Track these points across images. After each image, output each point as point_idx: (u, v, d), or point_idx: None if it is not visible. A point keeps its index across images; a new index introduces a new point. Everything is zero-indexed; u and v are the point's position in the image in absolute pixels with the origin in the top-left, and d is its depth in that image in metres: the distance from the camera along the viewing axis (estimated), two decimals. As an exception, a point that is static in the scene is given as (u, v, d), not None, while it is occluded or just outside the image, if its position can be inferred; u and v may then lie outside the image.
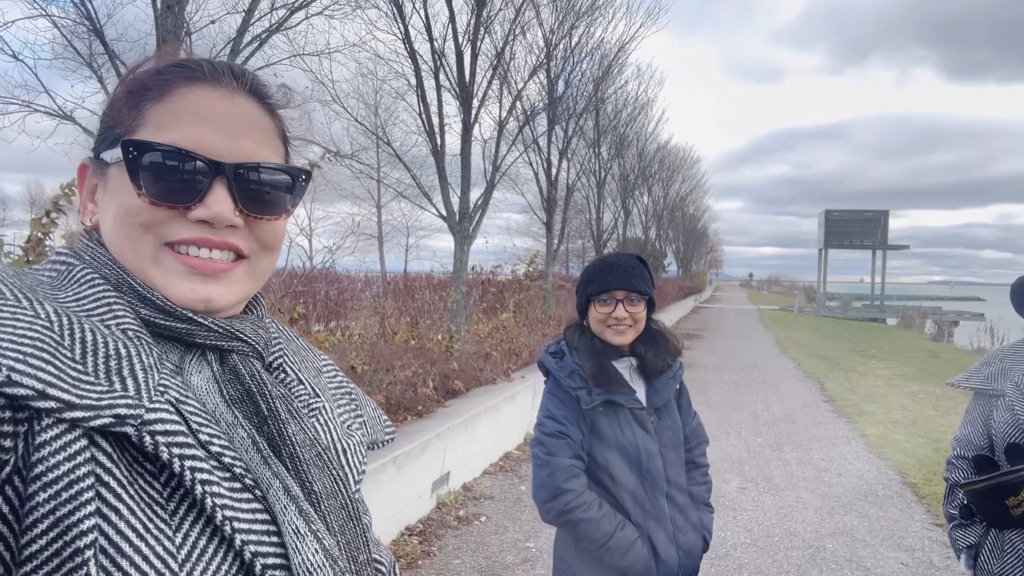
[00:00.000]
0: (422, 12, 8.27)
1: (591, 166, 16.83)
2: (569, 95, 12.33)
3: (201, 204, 0.64)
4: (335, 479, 0.66)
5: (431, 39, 8.47)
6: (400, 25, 8.11)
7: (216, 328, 0.65)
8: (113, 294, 0.63)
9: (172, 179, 0.63)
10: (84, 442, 0.50)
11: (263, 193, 0.67)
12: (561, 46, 11.34)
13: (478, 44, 8.96)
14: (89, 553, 0.47)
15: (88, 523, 0.48)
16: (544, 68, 11.26)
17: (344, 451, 0.71)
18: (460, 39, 8.77)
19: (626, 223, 22.28)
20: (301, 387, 0.74)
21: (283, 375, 0.74)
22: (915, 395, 10.13)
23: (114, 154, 0.65)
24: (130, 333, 0.60)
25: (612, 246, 19.89)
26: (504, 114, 9.68)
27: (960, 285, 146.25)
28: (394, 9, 8.12)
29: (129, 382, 0.55)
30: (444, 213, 8.19)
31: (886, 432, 7.51)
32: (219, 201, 0.64)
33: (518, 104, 10.64)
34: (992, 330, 19.37)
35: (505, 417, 6.15)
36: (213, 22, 4.49)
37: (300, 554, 0.58)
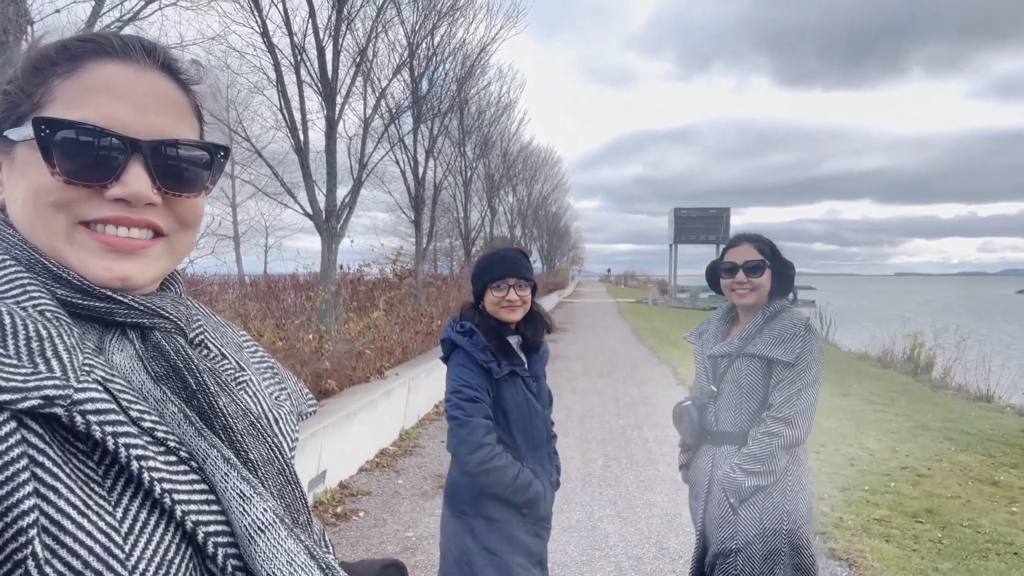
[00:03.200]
0: (280, 6, 8.06)
1: (457, 165, 17.03)
2: (433, 94, 12.43)
3: (118, 182, 0.62)
4: (271, 447, 0.67)
5: (291, 33, 8.26)
6: (257, 18, 7.85)
7: (136, 306, 0.64)
8: (26, 275, 0.61)
9: (87, 157, 0.61)
10: (13, 424, 0.49)
11: (181, 170, 0.66)
12: (424, 45, 11.40)
13: (340, 40, 8.85)
14: (33, 532, 0.47)
15: (28, 503, 0.47)
16: (408, 67, 11.28)
17: (276, 420, 0.72)
18: (321, 35, 8.61)
19: (492, 221, 22.71)
20: (225, 361, 0.74)
21: (206, 351, 0.74)
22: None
23: (22, 132, 0.62)
24: (48, 314, 0.58)
25: (480, 244, 20.21)
26: (369, 112, 9.62)
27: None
28: (250, 2, 7.85)
29: (54, 363, 0.54)
30: (310, 211, 8.03)
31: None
32: (137, 179, 0.63)
33: (383, 102, 10.61)
34: (821, 315, 21.58)
35: (381, 414, 6.17)
36: (59, 11, 4.17)
37: (248, 515, 0.59)
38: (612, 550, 4.16)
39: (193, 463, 0.60)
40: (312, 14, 8.48)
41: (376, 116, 9.91)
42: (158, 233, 0.67)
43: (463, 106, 15.65)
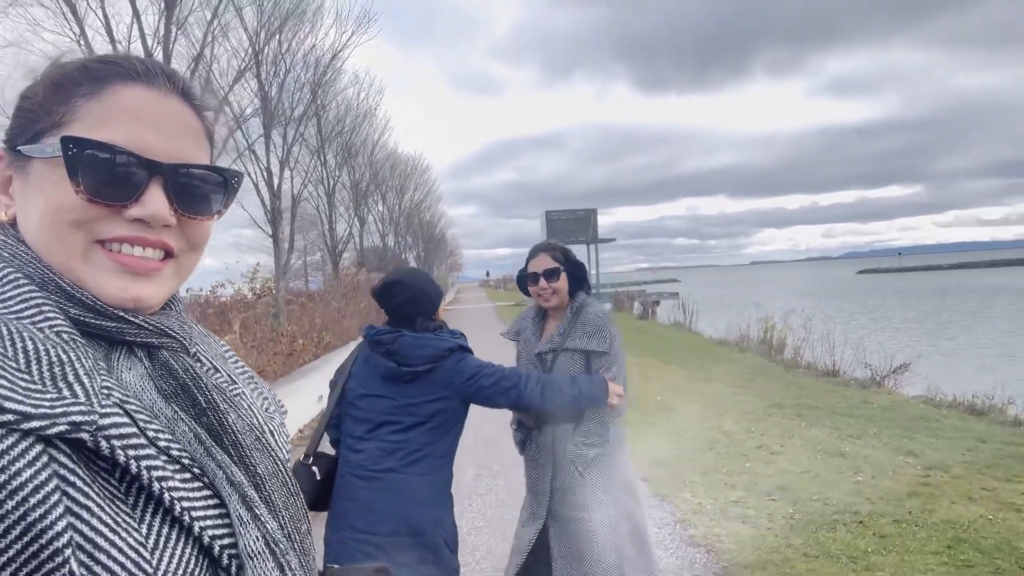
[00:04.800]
0: (100, 12, 7.36)
1: (318, 175, 16.37)
2: (284, 100, 11.85)
3: (137, 203, 0.64)
4: (274, 460, 0.70)
5: (113, 41, 7.59)
6: (74, 26, 7.14)
7: (146, 326, 0.67)
8: (40, 294, 0.62)
9: (111, 177, 0.63)
10: (40, 447, 0.51)
11: (198, 194, 0.69)
12: (269, 51, 10.84)
13: (171, 46, 8.22)
14: (68, 552, 0.49)
15: (61, 524, 0.49)
16: (253, 72, 10.68)
17: (272, 432, 0.74)
18: (149, 40, 7.96)
19: (362, 232, 22.11)
20: (219, 375, 0.75)
21: (199, 363, 0.74)
22: (629, 366, 11.46)
23: (40, 148, 0.64)
24: (64, 336, 0.60)
25: (348, 256, 19.59)
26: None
27: (660, 270, 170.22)
28: (64, 8, 7.13)
29: (77, 388, 0.56)
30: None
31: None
32: (156, 201, 0.65)
33: (227, 109, 9.96)
34: (684, 306, 22.73)
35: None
36: None
37: (243, 540, 0.62)
38: (479, 564, 4.00)
39: (205, 479, 0.63)
40: (136, 17, 7.82)
41: (218, 122, 9.29)
42: (168, 254, 0.69)
43: (319, 112, 15.09)
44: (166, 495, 0.58)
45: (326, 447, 2.42)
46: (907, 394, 9.43)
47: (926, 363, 12.87)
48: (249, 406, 0.74)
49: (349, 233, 19.30)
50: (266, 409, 0.81)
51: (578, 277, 2.77)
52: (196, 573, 0.59)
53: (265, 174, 11.74)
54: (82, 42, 7.34)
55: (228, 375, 0.77)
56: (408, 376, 2.23)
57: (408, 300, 2.31)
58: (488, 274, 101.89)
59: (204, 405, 0.66)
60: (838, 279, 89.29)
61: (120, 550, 0.53)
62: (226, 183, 0.72)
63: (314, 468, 2.31)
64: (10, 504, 0.48)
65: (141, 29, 7.83)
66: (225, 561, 0.61)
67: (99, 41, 7.56)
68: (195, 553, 0.59)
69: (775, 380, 10.31)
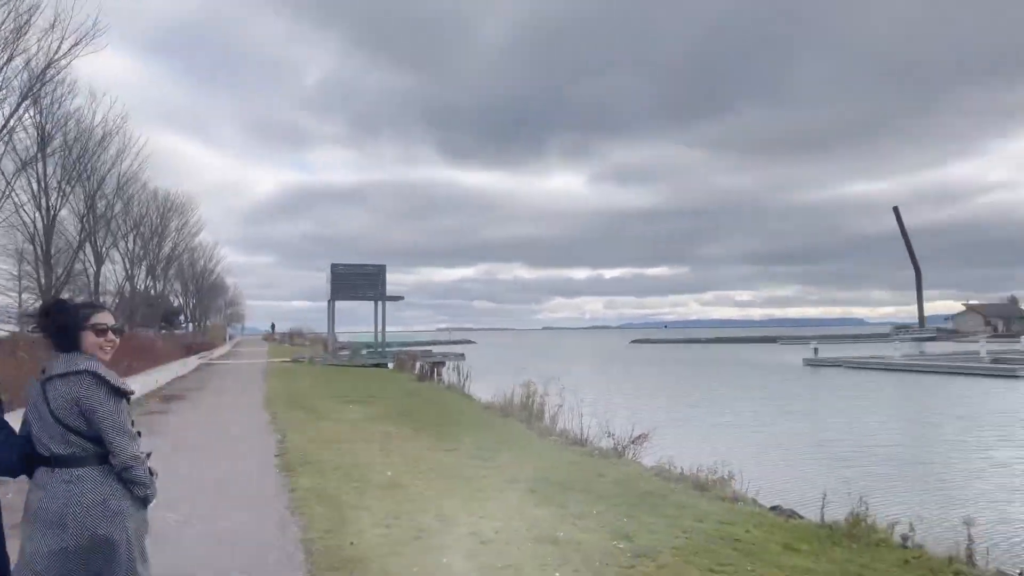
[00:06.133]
0: None
1: (30, 192, 13.75)
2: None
3: None
4: None
5: None
6: None
7: None
8: None
9: None
10: None
11: None
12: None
13: None
14: None
15: None
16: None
17: None
18: None
19: (98, 271, 19.08)
20: None
21: None
22: (372, 436, 10.49)
23: None
24: None
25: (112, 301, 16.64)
26: None
27: (459, 331, 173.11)
28: None
29: None
30: None
31: (322, 483, 7.29)
32: None
33: None
34: (459, 368, 22.47)
35: None
36: None
37: None
38: None
39: None
40: None
41: None
42: None
43: (43, 125, 12.75)
44: None
45: None
46: (646, 464, 9.48)
47: (667, 432, 13.48)
48: None
49: (67, 272, 16.40)
50: None
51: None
52: None
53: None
54: None
55: None
56: None
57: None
58: (273, 327, 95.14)
59: None
60: (614, 346, 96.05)
61: None
62: None
63: None
64: None
65: None
66: None
67: None
68: None
69: (525, 449, 9.91)
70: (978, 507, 9.87)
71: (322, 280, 37.94)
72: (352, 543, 5.12)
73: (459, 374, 22.06)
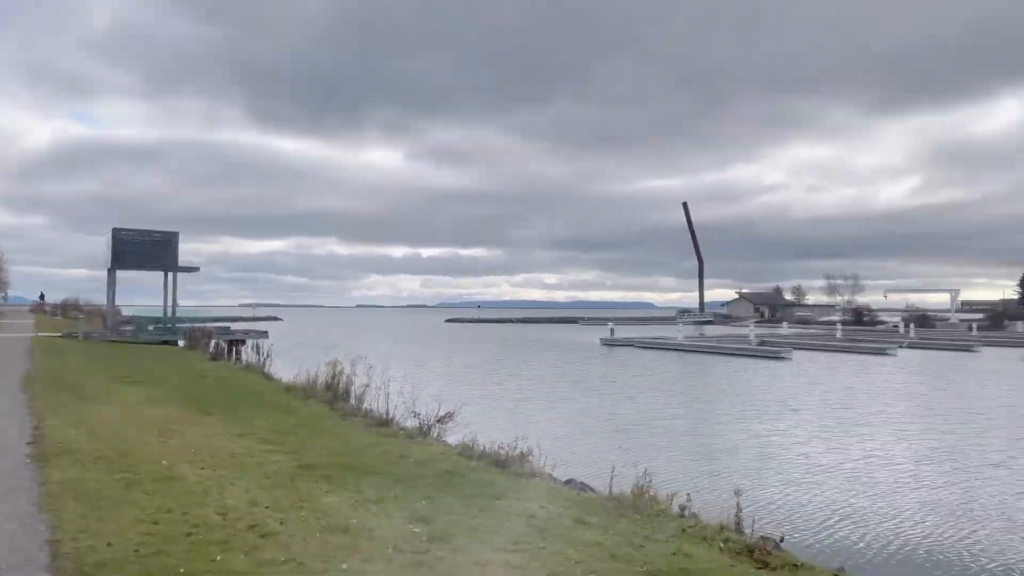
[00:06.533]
0: None
1: None
2: None
3: None
4: None
5: None
6: None
7: None
8: None
9: None
10: None
11: None
12: None
13: None
14: None
15: None
16: None
17: None
18: None
19: None
20: None
21: None
22: (151, 421, 9.41)
23: None
24: None
25: None
26: None
27: (265, 307, 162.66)
28: None
29: None
30: None
31: (81, 475, 6.35)
32: None
33: None
34: (259, 347, 21.08)
35: None
36: None
37: None
38: None
39: None
40: None
41: None
42: None
43: None
44: None
45: None
46: (452, 443, 9.45)
47: (473, 410, 13.65)
48: None
49: None
50: None
51: None
52: None
53: None
54: None
55: None
56: None
57: None
58: (42, 297, 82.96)
59: None
60: (431, 325, 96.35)
61: None
62: None
63: None
64: None
65: None
66: None
67: None
68: None
69: (323, 432, 9.45)
70: (744, 476, 11.12)
71: (104, 247, 33.66)
72: (110, 544, 4.48)
73: (259, 353, 20.70)
